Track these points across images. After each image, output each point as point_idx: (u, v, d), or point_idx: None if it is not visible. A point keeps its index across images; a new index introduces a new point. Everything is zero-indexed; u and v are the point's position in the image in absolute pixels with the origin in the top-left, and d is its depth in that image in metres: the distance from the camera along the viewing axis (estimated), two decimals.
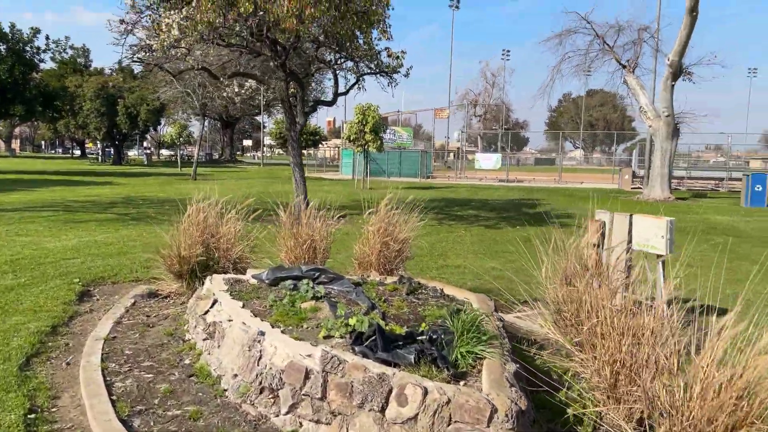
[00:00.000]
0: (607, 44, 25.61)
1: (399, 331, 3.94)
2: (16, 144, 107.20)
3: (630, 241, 6.09)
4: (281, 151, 70.67)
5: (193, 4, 11.81)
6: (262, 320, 4.42)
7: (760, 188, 21.34)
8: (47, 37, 43.61)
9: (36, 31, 40.14)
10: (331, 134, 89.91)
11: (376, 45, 13.85)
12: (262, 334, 4.07)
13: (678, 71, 22.96)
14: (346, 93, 16.64)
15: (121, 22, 13.42)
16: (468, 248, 11.37)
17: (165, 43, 12.09)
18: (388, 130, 40.70)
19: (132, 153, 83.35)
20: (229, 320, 4.48)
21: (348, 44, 13.48)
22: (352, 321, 3.96)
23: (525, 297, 7.40)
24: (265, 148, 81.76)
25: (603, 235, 6.39)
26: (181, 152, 54.15)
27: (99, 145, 68.86)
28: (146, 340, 5.30)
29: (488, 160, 39.73)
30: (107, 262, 8.78)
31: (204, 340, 4.71)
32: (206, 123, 52.44)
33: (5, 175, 32.98)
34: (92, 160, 68.01)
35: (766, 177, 21.85)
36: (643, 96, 24.63)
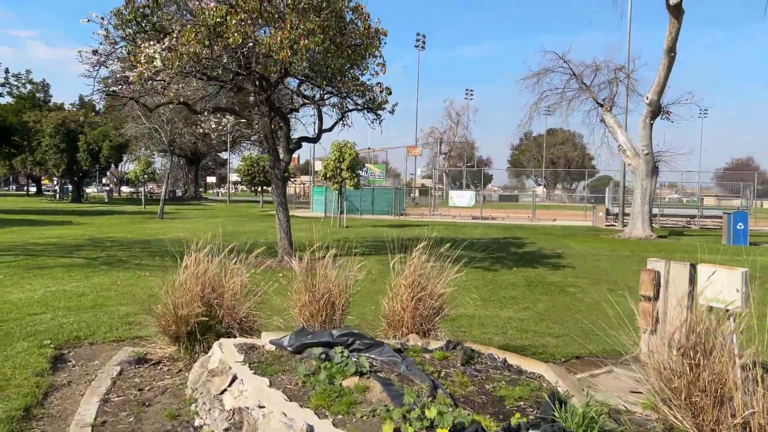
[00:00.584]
0: (584, 83, 25.73)
1: (488, 425, 3.13)
2: None
3: (692, 294, 5.46)
4: (245, 188, 69.41)
5: (175, 35, 11.04)
6: (302, 406, 3.55)
7: (742, 226, 21.33)
8: (6, 71, 42.22)
9: None
10: (295, 171, 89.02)
11: (369, 80, 13.27)
12: (312, 430, 3.20)
13: (657, 110, 23.09)
14: (330, 129, 15.99)
15: (94, 52, 12.56)
16: (473, 294, 10.61)
17: (144, 76, 11.23)
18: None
19: (91, 190, 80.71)
20: (260, 406, 3.59)
21: (338, 78, 12.84)
22: (430, 413, 3.13)
23: (557, 355, 6.70)
24: (229, 185, 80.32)
25: (658, 286, 5.77)
26: (144, 189, 52.45)
27: (56, 182, 66.44)
28: (144, 425, 4.33)
29: (462, 198, 39.51)
30: (81, 317, 7.70)
31: (226, 430, 3.79)
32: (172, 159, 50.98)
33: None
34: (49, 198, 65.47)
35: (747, 215, 21.91)
36: (622, 134, 24.68)
